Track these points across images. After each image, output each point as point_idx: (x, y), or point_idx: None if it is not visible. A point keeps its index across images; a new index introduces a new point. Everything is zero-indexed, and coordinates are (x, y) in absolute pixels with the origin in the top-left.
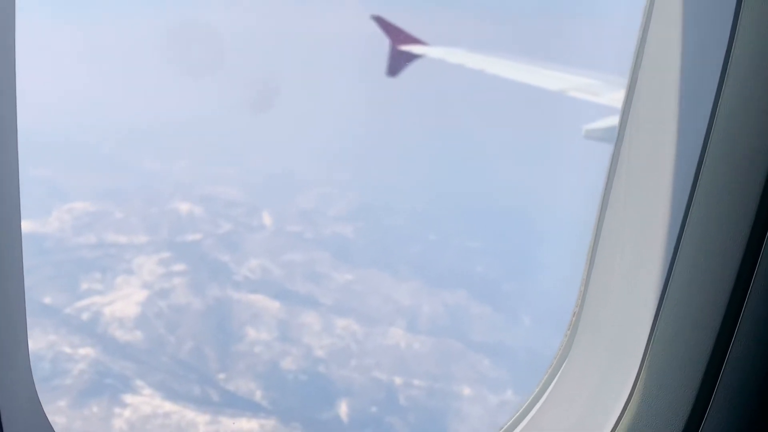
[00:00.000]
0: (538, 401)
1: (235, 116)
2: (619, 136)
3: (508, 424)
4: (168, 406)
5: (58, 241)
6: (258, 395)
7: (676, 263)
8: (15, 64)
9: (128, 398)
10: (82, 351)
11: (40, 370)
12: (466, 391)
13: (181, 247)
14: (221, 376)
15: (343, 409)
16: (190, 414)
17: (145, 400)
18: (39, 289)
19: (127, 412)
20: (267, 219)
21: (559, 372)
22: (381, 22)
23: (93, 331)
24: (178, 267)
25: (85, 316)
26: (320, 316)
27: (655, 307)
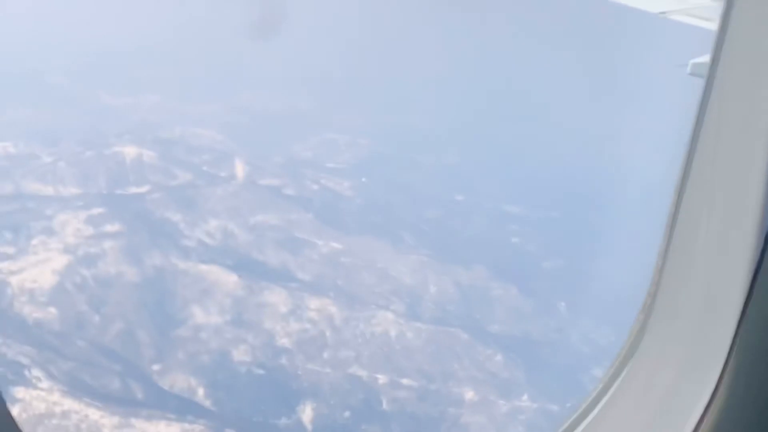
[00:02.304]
0: (601, 399)
1: (227, 41)
2: (708, 84)
3: (566, 425)
4: (68, 403)
5: None
6: (200, 393)
7: None
8: None
9: (19, 392)
10: None
11: None
12: (469, 394)
13: (119, 201)
14: (155, 367)
15: (307, 413)
16: (95, 415)
17: (39, 395)
18: None
19: (14, 410)
20: (239, 169)
21: (629, 365)
22: None
23: None
24: (112, 227)
25: None
26: (290, 294)
27: (747, 285)
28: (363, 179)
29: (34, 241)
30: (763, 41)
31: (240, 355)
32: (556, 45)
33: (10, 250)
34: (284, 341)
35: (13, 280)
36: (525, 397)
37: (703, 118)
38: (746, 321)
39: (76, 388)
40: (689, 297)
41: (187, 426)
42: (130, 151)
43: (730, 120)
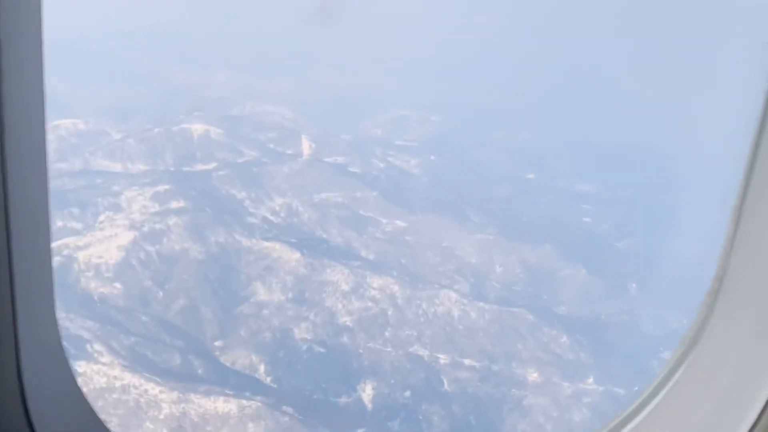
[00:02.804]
0: (666, 384)
1: (304, 20)
2: None
3: (626, 414)
4: (128, 378)
5: None
6: (261, 370)
7: None
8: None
9: (80, 366)
10: None
11: None
12: (533, 376)
13: (185, 178)
14: (217, 343)
15: (367, 392)
16: (154, 389)
17: (100, 369)
18: None
19: None
20: (306, 147)
21: (695, 349)
22: None
23: (61, 280)
24: (178, 204)
25: (55, 260)
26: (352, 273)
27: None
28: (432, 157)
29: (101, 218)
30: None
31: (302, 332)
32: (637, 26)
33: (78, 225)
34: (346, 319)
35: (80, 255)
36: (590, 379)
37: None
38: None
39: (136, 362)
40: (756, 282)
41: (244, 402)
42: (198, 128)
43: None
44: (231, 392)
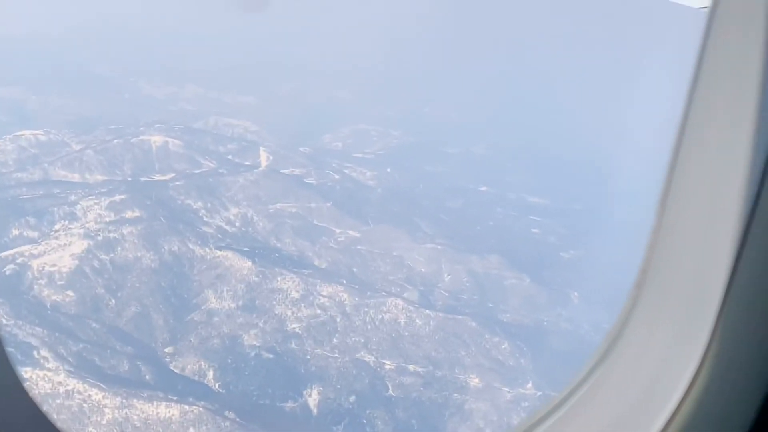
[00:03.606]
0: (588, 380)
1: (268, 32)
2: (693, 81)
3: (551, 407)
4: (72, 383)
5: None
6: (209, 376)
7: (753, 223)
8: None
9: (26, 372)
10: None
11: None
12: (474, 381)
13: (142, 188)
14: (167, 350)
15: (313, 397)
16: (98, 395)
17: (44, 375)
18: None
19: None
20: (263, 158)
21: (617, 344)
22: None
23: (14, 288)
24: (133, 213)
25: (9, 268)
26: (303, 281)
27: (730, 265)
28: (388, 169)
29: (57, 226)
30: (742, 41)
31: (251, 339)
32: (588, 41)
33: (33, 234)
34: (294, 326)
35: (34, 263)
36: (529, 385)
37: (689, 111)
38: (730, 297)
39: (83, 369)
40: (677, 275)
41: (186, 407)
42: (157, 139)
43: (712, 114)
44: (175, 397)
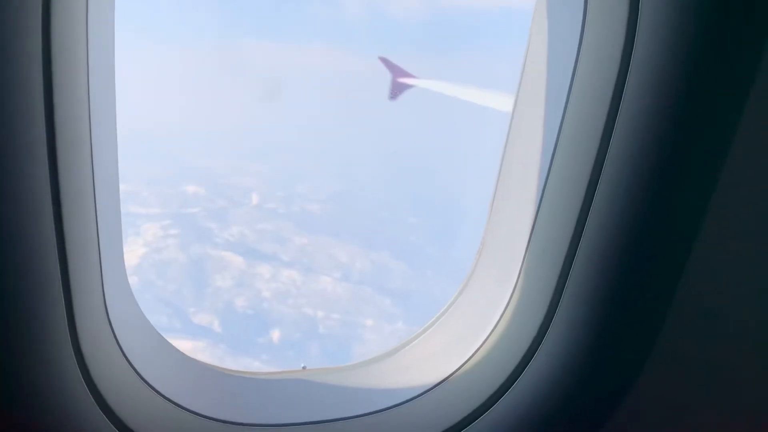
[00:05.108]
0: (442, 315)
1: (297, 133)
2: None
3: (418, 333)
4: None
5: None
6: (215, 324)
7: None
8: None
9: None
10: None
11: None
12: (369, 322)
13: (180, 217)
14: (191, 309)
15: (276, 335)
16: None
17: None
18: None
19: None
20: (254, 199)
21: (462, 293)
22: (386, 62)
23: None
24: (174, 231)
25: None
26: (272, 268)
27: (525, 247)
28: (329, 204)
29: (127, 239)
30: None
31: (240, 302)
32: (458, 135)
33: None
34: (266, 294)
35: None
36: (400, 323)
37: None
38: (527, 256)
39: None
40: (501, 242)
41: (212, 343)
42: (190, 188)
43: (520, 135)
44: (205, 338)
